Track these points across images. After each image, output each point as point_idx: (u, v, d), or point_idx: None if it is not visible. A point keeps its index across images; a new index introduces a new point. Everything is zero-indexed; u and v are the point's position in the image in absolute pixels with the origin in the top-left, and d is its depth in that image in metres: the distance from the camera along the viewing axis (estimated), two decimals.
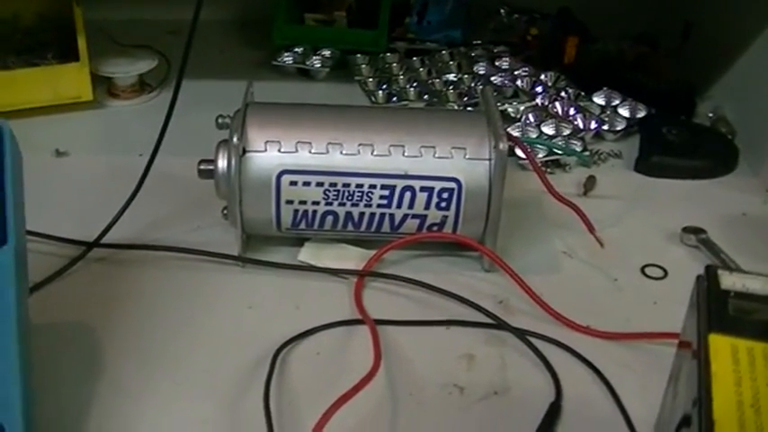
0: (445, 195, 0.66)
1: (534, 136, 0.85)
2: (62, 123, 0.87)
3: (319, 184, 0.66)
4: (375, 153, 0.66)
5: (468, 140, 0.66)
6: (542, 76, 0.94)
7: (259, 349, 0.60)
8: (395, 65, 0.98)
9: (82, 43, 0.86)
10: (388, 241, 0.68)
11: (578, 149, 0.84)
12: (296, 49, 0.99)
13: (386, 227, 0.68)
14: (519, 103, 0.91)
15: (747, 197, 0.80)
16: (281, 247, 0.70)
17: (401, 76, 0.96)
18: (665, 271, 0.70)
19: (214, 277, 0.68)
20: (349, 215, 0.67)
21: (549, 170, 0.82)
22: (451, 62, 0.98)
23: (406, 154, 0.66)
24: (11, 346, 0.48)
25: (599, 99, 0.91)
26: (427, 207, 0.67)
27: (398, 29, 1.01)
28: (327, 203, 0.66)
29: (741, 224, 0.76)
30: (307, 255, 0.70)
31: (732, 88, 0.91)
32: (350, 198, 0.66)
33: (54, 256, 0.68)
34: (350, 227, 0.68)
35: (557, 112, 0.89)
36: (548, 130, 0.85)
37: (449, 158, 0.66)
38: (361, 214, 0.67)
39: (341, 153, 0.66)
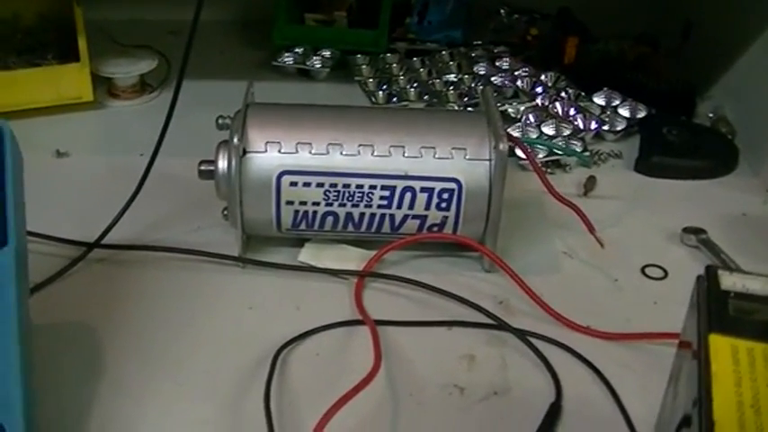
0: (445, 196, 0.66)
1: (534, 136, 0.85)
2: (63, 124, 0.87)
3: (320, 185, 0.66)
4: (375, 154, 0.66)
5: (469, 141, 0.66)
6: (542, 77, 0.94)
7: (259, 350, 0.61)
8: (395, 65, 0.98)
9: (82, 43, 0.86)
10: (389, 242, 0.68)
11: (578, 150, 0.84)
12: (296, 50, 0.99)
13: (386, 227, 0.68)
14: (519, 103, 0.91)
15: (748, 197, 0.80)
16: (281, 248, 0.70)
17: (401, 77, 0.96)
18: (665, 271, 0.70)
19: (214, 278, 0.68)
20: (349, 216, 0.67)
21: (549, 170, 0.82)
22: (452, 62, 0.98)
23: (406, 154, 0.66)
24: (12, 346, 0.48)
25: (599, 99, 0.91)
26: (427, 207, 0.67)
27: (399, 29, 1.01)
28: (328, 204, 0.66)
29: (741, 224, 0.76)
30: (307, 255, 0.70)
31: (732, 88, 0.91)
32: (350, 199, 0.66)
33: (55, 257, 0.68)
34: (350, 227, 0.68)
35: (557, 113, 0.89)
36: (548, 130, 0.86)
37: (449, 159, 0.66)
38: (362, 215, 0.67)
39: (341, 154, 0.66)
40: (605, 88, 0.91)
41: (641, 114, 0.89)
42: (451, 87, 0.94)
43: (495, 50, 1.01)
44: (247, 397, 0.57)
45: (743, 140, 0.87)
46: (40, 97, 0.87)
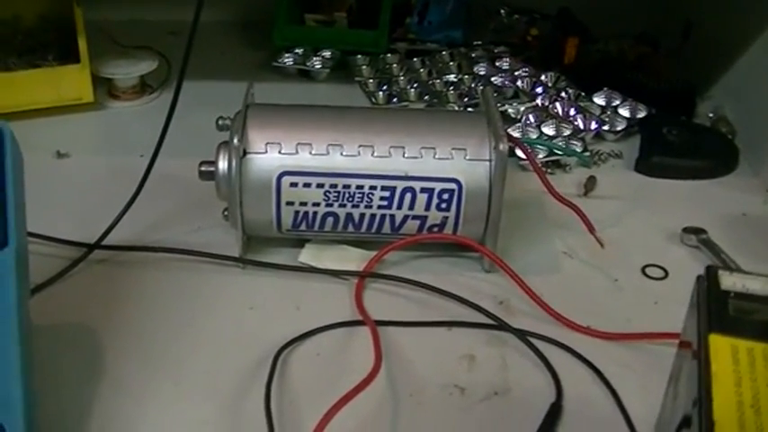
0: (445, 196, 0.66)
1: (534, 136, 0.85)
2: (63, 125, 0.87)
3: (320, 186, 0.66)
4: (375, 154, 0.66)
5: (469, 141, 0.66)
6: (543, 77, 0.94)
7: (260, 350, 0.61)
8: (395, 65, 0.98)
9: (83, 44, 0.86)
10: (389, 242, 0.68)
11: (579, 150, 0.84)
12: (296, 50, 0.99)
13: (386, 228, 0.68)
14: (519, 103, 0.91)
15: (748, 197, 0.80)
16: (281, 249, 0.70)
17: (401, 77, 0.96)
18: (665, 271, 0.70)
19: (215, 278, 0.68)
20: (349, 216, 0.67)
21: (549, 171, 0.82)
22: (452, 63, 0.98)
23: (406, 155, 0.66)
24: (12, 347, 0.48)
25: (599, 99, 0.91)
26: (428, 208, 0.67)
27: (399, 29, 1.01)
28: (328, 205, 0.66)
29: (741, 224, 0.76)
30: (307, 256, 0.70)
31: (732, 88, 0.91)
32: (350, 199, 0.66)
33: (55, 258, 0.68)
34: (350, 228, 0.68)
35: (557, 113, 0.89)
36: (548, 130, 0.86)
37: (449, 159, 0.66)
38: (362, 215, 0.67)
39: (341, 154, 0.66)
40: (605, 88, 0.91)
41: (641, 114, 0.89)
42: (452, 88, 0.94)
43: (496, 51, 1.01)
44: (248, 397, 0.57)
45: (743, 140, 0.87)
46: (40, 98, 0.87)
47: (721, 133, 0.88)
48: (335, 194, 0.66)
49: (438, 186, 0.66)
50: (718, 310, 0.45)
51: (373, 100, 0.94)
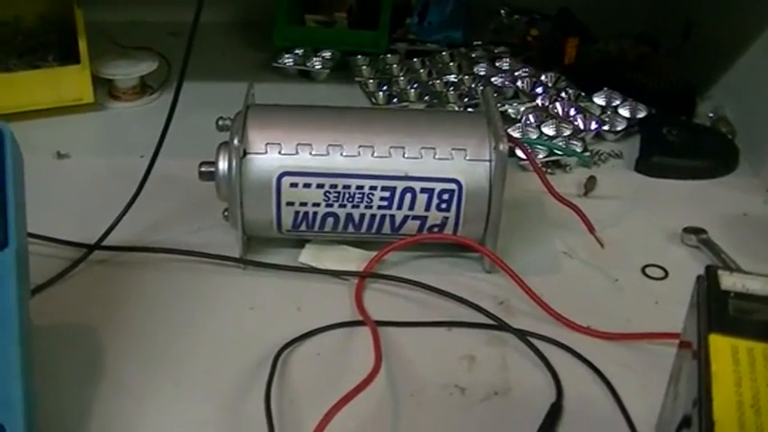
0: (445, 196, 0.66)
1: (534, 137, 0.85)
2: (63, 125, 0.87)
3: (320, 186, 0.66)
4: (375, 154, 0.66)
5: (469, 141, 0.66)
6: (543, 77, 0.94)
7: (260, 350, 0.61)
8: (395, 66, 0.98)
9: (83, 45, 0.86)
10: (389, 243, 0.68)
11: (579, 150, 0.84)
12: (296, 51, 0.99)
13: (386, 228, 0.68)
14: (519, 103, 0.91)
15: (748, 197, 0.80)
16: (281, 249, 0.70)
17: (402, 78, 0.96)
18: (665, 271, 0.70)
19: (215, 279, 0.68)
20: (349, 217, 0.67)
21: (549, 171, 0.82)
22: (452, 63, 0.98)
23: (406, 155, 0.66)
24: (12, 347, 0.48)
25: (599, 99, 0.91)
26: (428, 208, 0.67)
27: (399, 30, 1.01)
28: (328, 205, 0.66)
29: (742, 224, 0.76)
30: (307, 256, 0.70)
31: (732, 88, 0.91)
32: (350, 200, 0.66)
33: (55, 259, 0.68)
34: (350, 228, 0.68)
35: (557, 113, 0.89)
36: (548, 130, 0.86)
37: (449, 159, 0.66)
38: (362, 216, 0.67)
39: (341, 155, 0.66)
40: (605, 88, 0.91)
41: (641, 114, 0.89)
42: (452, 88, 0.94)
43: (496, 51, 1.01)
44: (248, 397, 0.57)
45: (743, 140, 0.87)
46: (40, 99, 0.87)
47: (721, 133, 0.88)
48: (335, 195, 0.66)
49: (438, 186, 0.66)
50: (718, 310, 0.45)
51: (373, 100, 0.94)
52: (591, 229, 0.71)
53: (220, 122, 0.68)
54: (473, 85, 0.95)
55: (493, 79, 0.94)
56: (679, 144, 0.84)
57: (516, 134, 0.85)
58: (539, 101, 0.91)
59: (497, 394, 0.59)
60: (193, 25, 0.68)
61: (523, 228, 0.74)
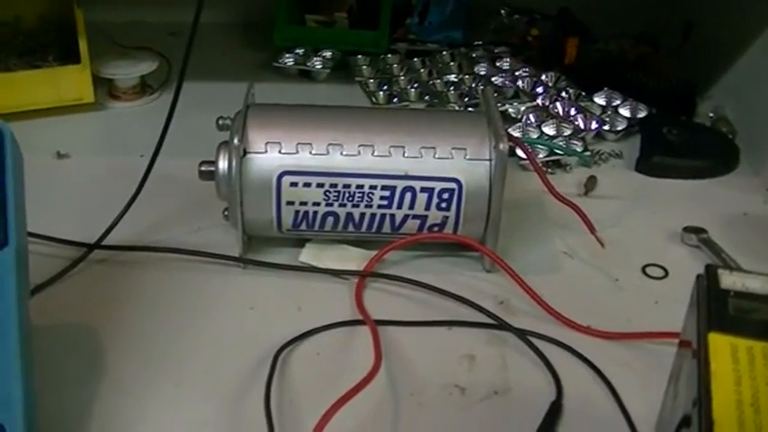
0: (446, 196, 0.66)
1: (535, 136, 0.85)
2: (63, 125, 0.87)
3: (320, 185, 0.66)
4: (375, 154, 0.66)
5: (469, 141, 0.66)
6: (543, 77, 0.94)
7: (260, 350, 0.61)
8: (396, 66, 0.98)
9: (83, 45, 0.86)
10: (389, 242, 0.68)
11: (579, 149, 0.84)
12: (297, 51, 0.99)
13: (386, 227, 0.68)
14: (520, 103, 0.91)
15: (748, 197, 0.80)
16: (282, 249, 0.70)
17: (402, 77, 0.96)
18: (665, 271, 0.70)
19: (215, 278, 0.68)
20: (350, 216, 0.67)
21: (549, 170, 0.82)
22: (452, 63, 0.98)
23: (406, 155, 0.66)
24: (12, 347, 0.48)
25: (600, 99, 0.91)
26: (428, 208, 0.67)
27: (399, 30, 1.01)
28: (328, 204, 0.66)
29: (742, 224, 0.76)
30: (308, 256, 0.70)
31: (733, 88, 0.91)
32: (350, 199, 0.66)
33: (55, 258, 0.68)
34: (350, 228, 0.68)
35: (557, 113, 0.89)
36: (548, 130, 0.86)
37: (449, 159, 0.66)
38: (362, 215, 0.67)
39: (341, 154, 0.66)
40: (606, 88, 0.91)
41: (642, 114, 0.89)
42: (452, 88, 0.94)
43: (496, 51, 1.01)
44: (248, 397, 0.57)
45: (743, 140, 0.87)
46: (40, 99, 0.87)
47: (721, 133, 0.88)
48: (335, 194, 0.66)
49: (438, 186, 0.66)
50: (717, 308, 0.45)
51: (374, 100, 0.94)
52: (591, 229, 0.71)
53: (220, 122, 0.68)
54: (473, 85, 0.95)
55: (493, 79, 0.94)
56: (679, 144, 0.84)
57: (516, 134, 0.85)
58: (539, 100, 0.91)
59: (497, 394, 0.59)
60: (193, 25, 0.68)
61: (524, 227, 0.74)
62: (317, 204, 0.66)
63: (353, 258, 0.69)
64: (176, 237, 0.72)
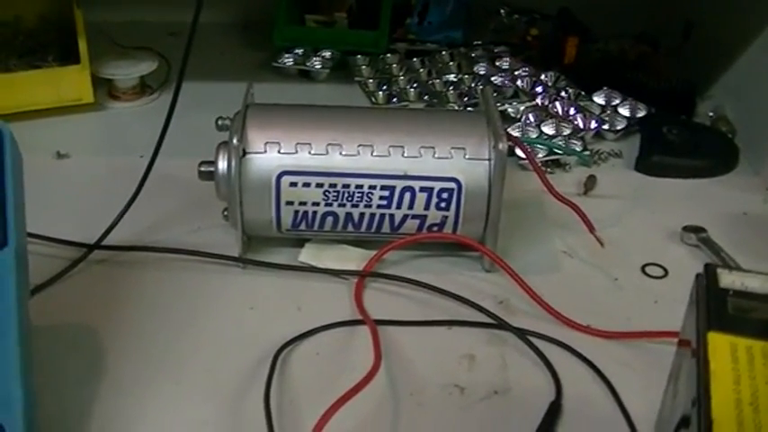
0: (445, 196, 0.66)
1: (534, 136, 0.85)
2: (63, 125, 0.87)
3: (319, 185, 0.66)
4: (375, 154, 0.66)
5: (468, 141, 0.66)
6: (542, 77, 0.94)
7: (260, 350, 0.61)
8: (395, 66, 0.98)
9: (83, 45, 0.86)
10: (389, 242, 0.68)
11: (578, 149, 0.84)
12: (296, 51, 0.99)
13: (386, 227, 0.68)
14: (519, 103, 0.91)
15: (748, 196, 0.80)
16: (281, 248, 0.70)
17: (401, 77, 0.96)
18: (665, 270, 0.70)
19: (215, 278, 0.68)
20: (349, 216, 0.67)
21: (549, 170, 0.82)
22: (452, 63, 0.98)
23: (405, 154, 0.66)
24: (12, 347, 0.48)
25: (599, 99, 0.91)
26: (427, 207, 0.67)
27: (399, 30, 1.01)
28: (327, 204, 0.66)
29: (742, 223, 0.76)
30: (307, 256, 0.70)
31: (732, 87, 0.91)
32: (350, 199, 0.66)
33: (55, 258, 0.68)
34: (350, 227, 0.68)
35: (557, 112, 0.89)
36: (548, 129, 0.86)
37: (448, 159, 0.66)
38: (361, 215, 0.67)
39: (340, 154, 0.66)
40: (605, 88, 0.91)
41: (641, 113, 0.89)
42: (451, 87, 0.94)
43: (496, 50, 1.00)
44: (248, 397, 0.57)
45: (743, 139, 0.87)
46: (40, 99, 0.87)
47: (721, 132, 0.88)
48: (335, 194, 0.66)
49: (437, 186, 0.66)
50: (716, 308, 0.45)
51: (373, 100, 0.94)
52: (591, 229, 0.71)
53: (220, 122, 0.68)
54: (473, 85, 0.95)
55: (493, 79, 0.94)
56: (679, 143, 0.84)
57: (516, 133, 0.85)
58: (538, 100, 0.91)
59: (497, 393, 0.59)
60: (193, 25, 0.68)
61: (523, 227, 0.74)
62: (317, 204, 0.66)
63: (353, 258, 0.69)
64: (176, 237, 0.72)
